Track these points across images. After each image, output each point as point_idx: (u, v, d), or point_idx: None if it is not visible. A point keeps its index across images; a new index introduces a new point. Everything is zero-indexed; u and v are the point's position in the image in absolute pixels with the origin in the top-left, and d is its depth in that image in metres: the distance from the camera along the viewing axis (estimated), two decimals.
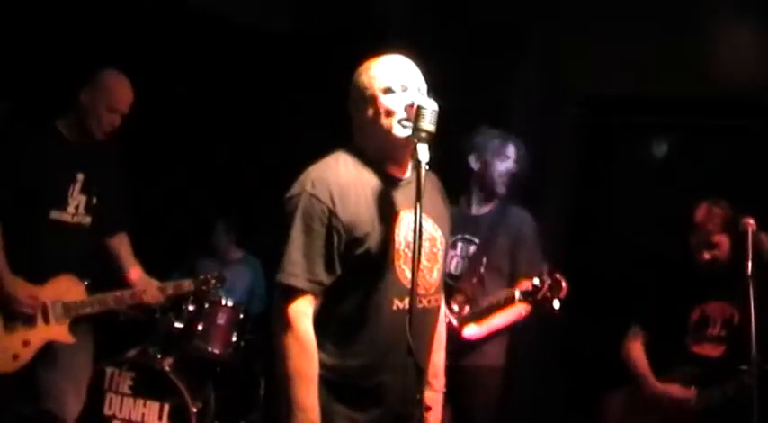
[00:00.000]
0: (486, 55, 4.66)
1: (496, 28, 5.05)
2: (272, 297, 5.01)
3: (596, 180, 5.30)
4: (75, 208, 3.60)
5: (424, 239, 2.48)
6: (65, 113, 3.63)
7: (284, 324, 2.38)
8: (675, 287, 3.75)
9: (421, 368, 2.35)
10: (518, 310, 3.75)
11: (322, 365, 2.42)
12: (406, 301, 2.42)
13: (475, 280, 3.82)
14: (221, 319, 4.56)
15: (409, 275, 2.41)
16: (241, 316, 4.67)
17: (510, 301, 3.63)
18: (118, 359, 4.39)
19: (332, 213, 2.40)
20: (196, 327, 4.50)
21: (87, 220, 3.64)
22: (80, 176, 3.60)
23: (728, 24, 4.58)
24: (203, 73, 5.24)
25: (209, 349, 4.53)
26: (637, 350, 3.75)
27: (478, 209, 3.94)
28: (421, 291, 2.46)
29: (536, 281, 3.51)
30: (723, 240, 3.55)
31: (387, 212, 2.47)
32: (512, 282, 3.82)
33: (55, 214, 3.54)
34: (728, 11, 4.62)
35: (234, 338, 4.59)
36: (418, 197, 2.33)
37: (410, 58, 2.58)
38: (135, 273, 3.81)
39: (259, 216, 5.44)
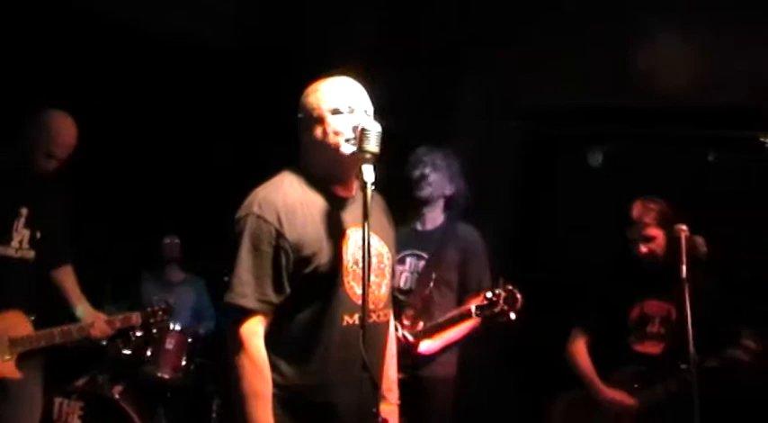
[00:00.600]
0: (427, 73, 4.75)
1: (436, 46, 5.17)
2: (220, 317, 5.10)
3: (538, 190, 5.44)
4: (19, 242, 3.58)
5: (373, 256, 2.55)
6: (7, 147, 3.60)
7: (236, 344, 2.42)
8: (614, 288, 3.88)
9: (375, 382, 2.42)
10: (471, 323, 3.82)
11: (276, 384, 2.46)
12: (356, 316, 2.50)
13: (425, 294, 3.89)
14: (170, 344, 4.58)
15: (358, 291, 2.49)
16: (189, 340, 4.68)
17: (467, 316, 3.72)
18: (66, 389, 4.34)
19: (279, 234, 2.45)
20: (145, 353, 4.52)
21: (31, 254, 3.62)
22: (24, 211, 3.58)
23: (661, 36, 4.74)
24: (141, 91, 5.22)
25: (159, 374, 4.54)
26: (581, 352, 3.87)
27: (426, 225, 4.03)
28: (370, 306, 2.50)
29: (489, 294, 3.61)
30: (658, 234, 3.69)
31: (334, 231, 2.53)
32: (461, 295, 3.93)
33: None
34: (661, 23, 4.78)
35: (183, 362, 4.61)
36: (365, 216, 2.40)
37: (352, 77, 2.64)
38: (82, 306, 3.80)
39: (201, 237, 5.47)
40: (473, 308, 3.68)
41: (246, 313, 2.43)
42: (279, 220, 2.46)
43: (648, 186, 4.76)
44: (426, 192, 3.98)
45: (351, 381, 2.48)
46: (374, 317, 2.55)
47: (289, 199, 2.50)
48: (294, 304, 2.49)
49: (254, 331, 2.44)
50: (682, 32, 4.69)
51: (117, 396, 4.34)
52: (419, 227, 4.02)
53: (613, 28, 4.93)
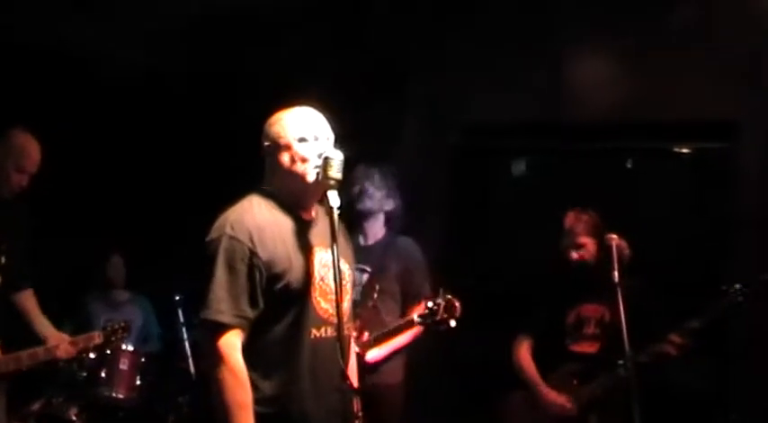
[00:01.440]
0: (364, 96, 4.94)
1: (373, 69, 5.40)
2: (166, 335, 5.17)
3: (471, 202, 5.68)
4: None
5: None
6: None
7: (216, 358, 2.56)
8: (552, 294, 4.16)
9: (355, 390, 2.59)
10: (415, 331, 4.03)
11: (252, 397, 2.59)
12: (323, 330, 2.69)
13: (370, 305, 4.08)
14: (124, 364, 4.64)
15: (324, 306, 2.69)
16: (143, 359, 4.76)
17: (409, 325, 3.92)
18: (22, 413, 4.36)
19: (252, 253, 2.61)
20: (99, 374, 4.57)
21: None
22: None
23: (583, 54, 5.08)
24: (86, 115, 5.29)
25: (114, 395, 4.60)
26: (524, 356, 4.14)
27: (368, 240, 4.23)
28: (335, 319, 2.66)
29: (430, 304, 3.80)
30: (589, 242, 4.00)
31: (302, 250, 2.70)
32: (404, 305, 4.14)
33: None
34: (582, 42, 5.11)
35: (138, 382, 4.68)
36: (333, 239, 2.59)
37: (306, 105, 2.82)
38: (46, 328, 3.86)
39: (144, 257, 5.55)
40: (415, 317, 3.87)
41: (224, 328, 2.57)
42: (251, 239, 2.62)
43: (574, 195, 5.12)
44: (366, 205, 4.18)
45: (322, 391, 2.67)
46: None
47: (258, 220, 2.67)
48: (266, 320, 2.64)
49: (233, 345, 2.58)
50: (606, 53, 5.02)
51: (74, 418, 4.40)
52: (361, 242, 4.21)
53: (537, 46, 5.22)
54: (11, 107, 4.60)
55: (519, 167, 5.70)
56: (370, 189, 4.18)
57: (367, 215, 4.20)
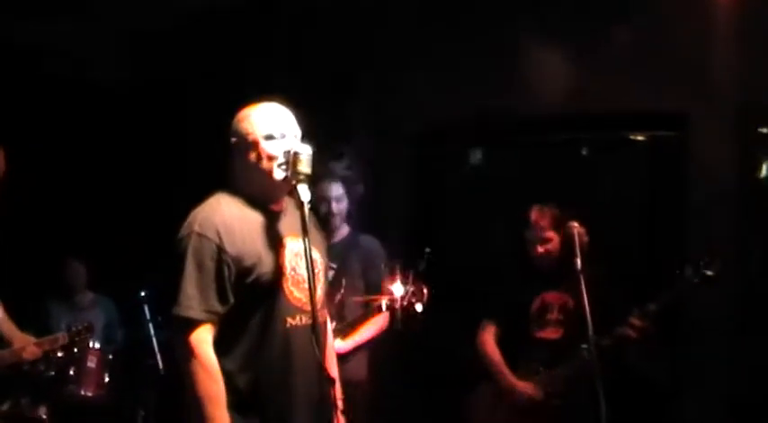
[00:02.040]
0: (320, 101, 4.98)
1: (327, 75, 5.46)
2: (132, 334, 5.17)
3: (433, 198, 5.79)
4: None
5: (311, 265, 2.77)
6: None
7: (187, 353, 2.61)
8: (516, 283, 4.25)
9: (332, 379, 2.64)
10: (379, 324, 4.14)
11: (228, 389, 2.64)
12: (298, 318, 2.75)
13: (336, 300, 4.16)
14: (91, 363, 4.68)
15: (297, 295, 2.76)
16: (110, 356, 4.78)
17: (377, 310, 4.01)
18: None
19: (220, 249, 2.66)
20: (68, 372, 4.60)
21: None
22: None
23: (537, 45, 5.15)
24: (41, 120, 5.31)
25: (83, 393, 4.64)
26: (489, 343, 4.22)
27: (333, 238, 4.30)
28: (308, 307, 2.71)
29: (398, 289, 3.90)
30: (553, 236, 4.10)
31: (272, 242, 2.76)
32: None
33: None
34: (536, 33, 5.19)
35: (106, 379, 4.71)
36: (305, 233, 2.64)
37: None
38: (11, 331, 3.87)
39: (108, 258, 5.55)
40: (383, 302, 3.97)
41: (194, 324, 2.63)
42: (219, 236, 2.67)
43: (532, 185, 5.24)
44: (334, 223, 4.30)
45: (299, 380, 2.73)
46: None
47: (226, 217, 2.72)
48: (240, 312, 2.70)
49: (203, 339, 2.64)
50: (560, 44, 5.10)
51: (44, 416, 4.39)
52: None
53: (491, 41, 5.31)
54: None
55: (476, 159, 5.79)
56: (335, 210, 4.29)
57: (335, 215, 4.30)
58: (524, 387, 4.07)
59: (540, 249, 4.12)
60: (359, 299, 4.14)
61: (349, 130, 5.40)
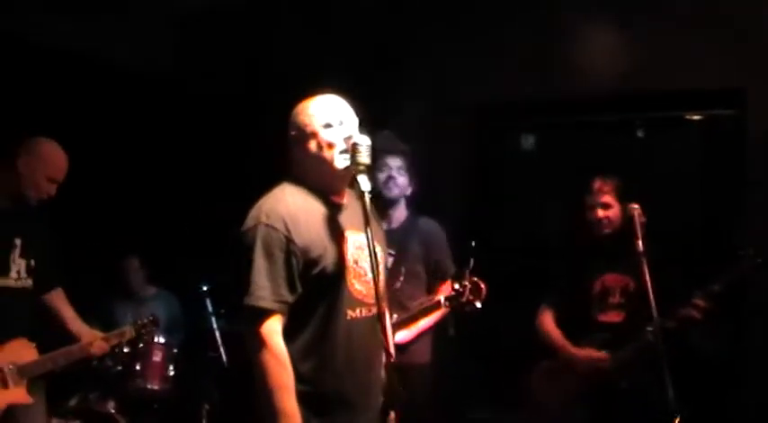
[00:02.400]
0: (371, 78, 4.99)
1: (377, 51, 5.43)
2: (194, 327, 5.23)
3: (487, 180, 5.75)
4: (18, 273, 3.70)
5: (368, 255, 2.76)
6: None
7: (259, 343, 2.64)
8: (576, 266, 4.21)
9: (398, 366, 2.65)
10: (442, 311, 4.11)
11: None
12: (358, 310, 2.78)
13: (397, 287, 4.17)
14: (157, 357, 4.72)
15: (358, 287, 2.79)
16: (174, 350, 4.85)
17: (436, 307, 4.01)
18: (61, 410, 4.44)
19: (288, 240, 2.68)
20: (134, 367, 4.66)
21: (29, 282, 3.75)
22: (18, 241, 3.71)
23: (591, 25, 5.12)
24: (94, 118, 5.32)
25: (149, 386, 4.69)
26: (549, 323, 4.20)
27: (392, 223, 4.31)
28: (370, 300, 2.79)
29: (456, 286, 3.88)
30: (614, 203, 4.05)
31: (334, 234, 2.78)
32: (430, 284, 4.24)
33: (0, 281, 3.64)
34: (590, 12, 5.15)
35: (171, 373, 4.77)
36: (367, 223, 2.66)
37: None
38: (79, 326, 3.94)
39: (170, 252, 5.63)
40: (442, 299, 3.96)
41: (265, 314, 2.65)
42: (286, 227, 2.69)
43: (587, 166, 5.18)
44: (393, 193, 4.28)
45: (358, 369, 2.77)
46: (374, 309, 2.78)
47: (291, 207, 2.74)
48: (303, 303, 2.72)
49: (274, 329, 2.66)
50: (614, 24, 5.06)
51: (112, 411, 4.49)
52: (385, 226, 4.29)
53: (541, 22, 5.28)
54: (19, 109, 4.68)
55: (529, 142, 5.77)
56: (397, 176, 4.26)
57: (393, 201, 4.28)
58: (589, 353, 4.02)
59: (601, 213, 4.06)
60: (419, 301, 4.15)
61: (401, 111, 5.39)
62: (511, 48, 5.34)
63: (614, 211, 4.06)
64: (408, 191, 4.35)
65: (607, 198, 4.06)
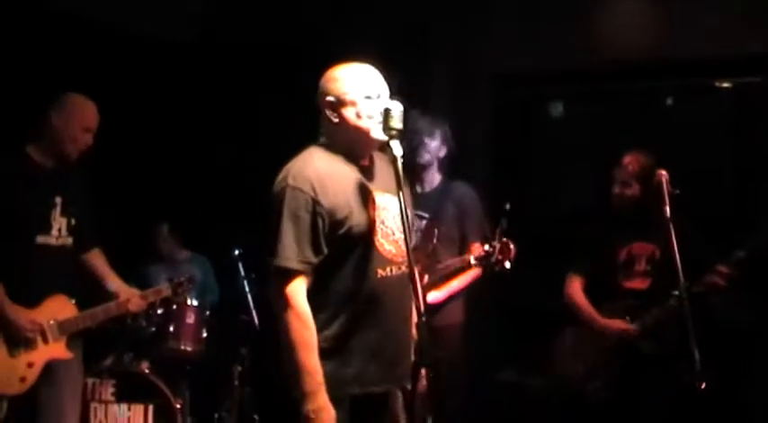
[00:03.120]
0: (397, 50, 5.01)
1: (403, 24, 5.47)
2: (224, 288, 5.31)
3: (514, 149, 5.79)
4: (58, 230, 3.79)
5: (394, 216, 2.87)
6: (34, 139, 3.79)
7: (284, 302, 2.73)
8: (602, 234, 4.25)
9: (429, 324, 2.70)
10: (472, 273, 4.21)
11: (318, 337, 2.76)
12: (388, 269, 2.85)
13: (429, 250, 4.23)
14: (190, 319, 4.81)
15: (388, 247, 2.86)
16: (207, 313, 4.94)
17: (466, 266, 4.09)
18: (96, 369, 4.55)
19: (315, 201, 2.76)
20: (168, 328, 4.74)
21: (69, 240, 3.84)
22: (58, 200, 3.79)
23: None
24: (123, 85, 5.39)
25: (183, 348, 4.77)
26: (577, 292, 4.26)
27: (425, 187, 4.38)
28: (399, 259, 2.87)
29: (487, 247, 3.96)
30: (634, 182, 4.10)
31: (361, 196, 2.85)
32: (462, 247, 4.29)
33: (41, 238, 3.73)
34: None
35: (204, 335, 4.86)
36: (399, 188, 2.72)
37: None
38: (117, 284, 4.04)
39: (200, 216, 5.71)
40: (472, 259, 4.04)
41: (291, 274, 2.74)
42: (313, 189, 2.76)
43: (615, 135, 5.21)
44: (425, 158, 4.35)
45: (388, 324, 2.85)
46: (403, 268, 2.86)
47: (319, 170, 2.81)
48: (332, 263, 2.80)
49: (299, 289, 2.75)
50: None
51: (147, 371, 4.59)
52: (419, 189, 4.37)
53: None
54: (51, 79, 4.76)
55: (557, 108, 5.78)
56: (428, 141, 4.33)
57: (425, 166, 4.34)
58: (616, 323, 4.09)
59: (617, 190, 4.14)
60: (449, 261, 4.20)
61: (429, 80, 5.42)
62: (538, 15, 5.34)
63: (632, 190, 4.11)
64: (441, 154, 4.40)
65: (628, 176, 4.11)
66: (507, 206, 3.99)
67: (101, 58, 5.32)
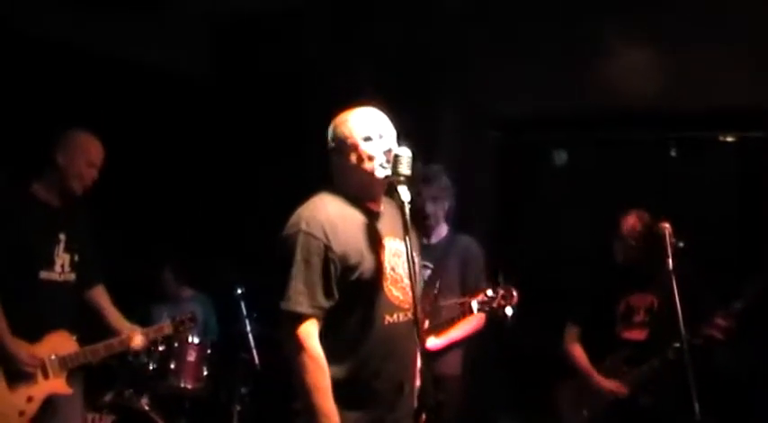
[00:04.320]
0: (405, 96, 5.07)
1: (411, 68, 5.52)
2: (225, 326, 5.29)
3: (517, 194, 5.82)
4: (62, 266, 3.83)
5: (404, 262, 2.87)
6: (39, 177, 3.84)
7: (297, 346, 2.73)
8: (602, 286, 4.30)
9: (433, 372, 2.73)
10: (474, 324, 4.21)
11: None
12: (395, 315, 2.85)
13: (431, 298, 4.24)
14: (191, 356, 4.83)
15: (396, 293, 2.86)
16: (208, 351, 4.95)
17: (468, 311, 4.08)
18: (97, 404, 4.56)
19: (327, 248, 2.76)
20: (169, 366, 4.77)
21: (72, 276, 3.88)
22: (62, 236, 3.84)
23: (624, 43, 5.13)
24: (131, 120, 5.44)
25: (183, 385, 4.80)
26: (576, 348, 4.31)
27: (431, 239, 4.41)
28: (405, 305, 2.87)
29: (489, 292, 3.97)
30: (639, 244, 4.13)
31: (372, 242, 2.86)
32: (462, 296, 4.30)
33: (44, 274, 3.77)
34: (624, 30, 5.17)
35: (204, 373, 4.88)
36: (406, 232, 2.75)
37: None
38: (119, 321, 4.06)
39: (205, 256, 5.75)
40: (474, 304, 4.03)
41: (302, 318, 2.74)
42: (325, 235, 2.77)
43: (618, 184, 5.23)
44: (430, 209, 4.38)
45: (393, 370, 2.84)
46: (409, 314, 2.87)
47: (330, 216, 2.82)
48: (341, 309, 2.80)
49: (311, 333, 2.75)
50: (648, 42, 5.07)
51: (147, 407, 4.60)
52: (425, 241, 4.38)
53: (573, 39, 5.32)
54: (56, 112, 4.83)
55: (560, 157, 5.82)
56: (432, 205, 4.36)
57: (430, 217, 4.38)
58: (609, 384, 4.12)
59: (623, 256, 4.20)
60: (452, 301, 4.22)
61: (437, 128, 5.47)
62: (546, 63, 5.39)
63: (638, 252, 4.14)
64: (447, 206, 4.45)
65: (633, 238, 4.15)
66: (501, 279, 4.01)
67: (104, 92, 5.39)
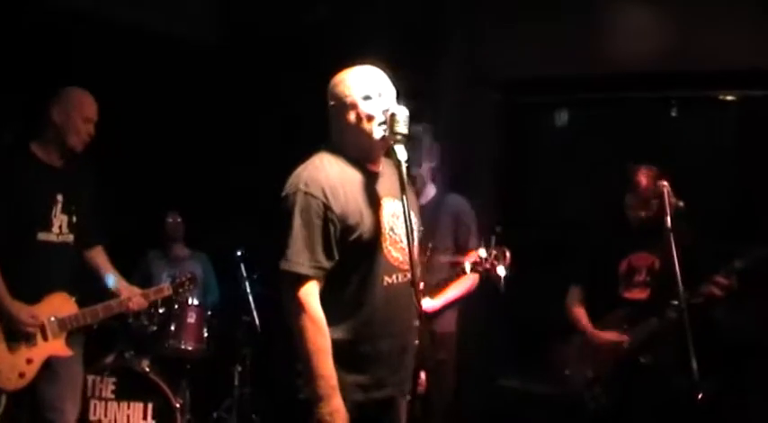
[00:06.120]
0: (407, 53, 5.03)
1: (414, 27, 5.47)
2: (225, 288, 5.29)
3: (519, 156, 5.79)
4: (59, 228, 3.80)
5: (403, 223, 2.84)
6: (37, 136, 3.81)
7: (297, 307, 2.72)
8: (603, 246, 4.26)
9: (431, 330, 2.73)
10: (468, 284, 4.20)
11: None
12: (394, 276, 2.86)
13: (424, 260, 4.21)
14: (191, 318, 4.86)
15: (395, 254, 2.86)
16: (209, 312, 4.96)
17: (461, 272, 4.07)
18: (97, 366, 4.60)
19: (327, 207, 2.75)
20: (169, 327, 4.79)
21: (70, 237, 3.86)
22: (60, 197, 3.80)
23: (620, 4, 5.11)
24: (135, 81, 5.42)
25: (184, 347, 4.82)
26: (577, 308, 4.29)
27: (420, 200, 4.35)
28: (404, 266, 2.86)
29: (482, 252, 3.96)
30: (654, 202, 4.05)
31: (371, 202, 2.85)
32: (455, 257, 4.29)
33: (42, 235, 3.74)
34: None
35: (205, 334, 4.89)
36: (403, 191, 2.73)
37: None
38: (118, 282, 4.05)
39: (202, 214, 5.72)
40: (467, 265, 4.02)
41: (303, 279, 2.73)
42: (325, 195, 2.76)
43: (618, 144, 5.21)
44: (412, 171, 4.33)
45: (395, 331, 2.85)
46: (408, 275, 2.87)
47: (330, 176, 2.80)
48: (341, 269, 2.80)
49: (311, 294, 2.74)
50: (643, 5, 5.04)
51: (147, 369, 4.62)
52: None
53: (579, 2, 5.28)
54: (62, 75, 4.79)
55: (561, 117, 5.79)
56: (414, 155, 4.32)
57: (415, 178, 4.34)
58: (609, 335, 4.11)
59: (642, 214, 4.12)
60: (445, 260, 4.22)
61: (438, 84, 5.42)
62: (547, 23, 5.33)
63: (654, 209, 4.02)
64: (431, 165, 4.40)
65: (647, 194, 4.07)
66: (498, 229, 3.99)
67: (109, 57, 5.33)
